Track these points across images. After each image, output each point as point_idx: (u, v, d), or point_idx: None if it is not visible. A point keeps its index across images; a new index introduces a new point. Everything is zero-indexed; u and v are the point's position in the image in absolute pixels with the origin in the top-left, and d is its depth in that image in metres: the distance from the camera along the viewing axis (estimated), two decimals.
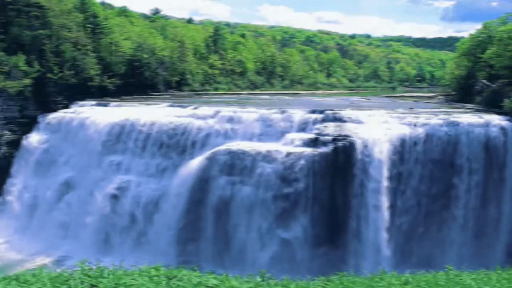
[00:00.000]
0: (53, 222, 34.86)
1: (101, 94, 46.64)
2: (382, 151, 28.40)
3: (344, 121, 30.90)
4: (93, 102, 42.04)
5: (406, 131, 29.38)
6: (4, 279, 8.55)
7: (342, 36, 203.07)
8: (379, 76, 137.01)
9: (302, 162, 28.66)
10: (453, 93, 51.55)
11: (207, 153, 30.65)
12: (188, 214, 30.42)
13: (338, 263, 25.58)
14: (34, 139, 39.38)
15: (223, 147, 30.50)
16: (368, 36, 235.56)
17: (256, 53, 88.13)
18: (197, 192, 30.25)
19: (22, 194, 37.73)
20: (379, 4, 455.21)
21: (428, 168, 29.02)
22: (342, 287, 10.17)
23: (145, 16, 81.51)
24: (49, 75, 43.14)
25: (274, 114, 32.62)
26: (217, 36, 77.39)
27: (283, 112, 32.77)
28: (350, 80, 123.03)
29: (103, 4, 79.20)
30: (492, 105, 35.08)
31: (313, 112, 32.53)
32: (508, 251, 28.19)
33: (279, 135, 31.21)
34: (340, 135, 29.23)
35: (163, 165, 33.15)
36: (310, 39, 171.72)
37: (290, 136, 30.59)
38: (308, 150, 29.07)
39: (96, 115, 37.04)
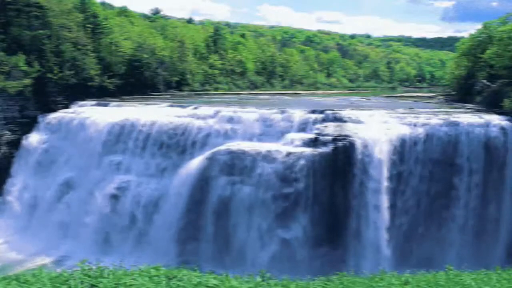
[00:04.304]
0: (53, 222, 34.83)
1: (101, 94, 46.57)
2: (382, 151, 28.40)
3: (344, 121, 30.90)
4: (93, 102, 42.02)
5: (406, 131, 29.37)
6: (4, 279, 8.56)
7: (342, 36, 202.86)
8: (379, 76, 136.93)
9: (302, 162, 28.66)
10: (453, 93, 51.53)
11: (207, 153, 30.64)
12: (188, 214, 30.40)
13: (338, 263, 25.57)
14: (34, 139, 39.37)
15: (223, 147, 30.50)
16: (368, 36, 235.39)
17: (256, 53, 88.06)
18: (197, 192, 30.25)
19: (22, 194, 37.71)
20: (379, 4, 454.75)
21: (428, 168, 29.03)
22: (342, 287, 10.19)
23: (145, 16, 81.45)
24: (49, 75, 43.13)
25: (274, 114, 32.62)
26: (217, 36, 77.36)
27: (283, 112, 32.77)
28: (350, 80, 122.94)
29: (103, 4, 79.19)
30: (492, 105, 35.06)
31: (313, 112, 32.53)
32: (508, 251, 28.18)
33: (279, 135, 31.21)
34: (340, 135, 29.23)
35: (163, 165, 33.15)
36: (310, 39, 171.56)
37: (290, 136, 30.59)
38: (308, 150, 29.07)
39: (96, 115, 37.03)
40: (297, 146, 29.66)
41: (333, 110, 32.72)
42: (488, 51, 41.01)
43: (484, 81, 41.45)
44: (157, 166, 33.29)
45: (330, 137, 29.27)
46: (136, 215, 32.35)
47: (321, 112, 32.23)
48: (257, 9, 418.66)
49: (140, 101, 43.09)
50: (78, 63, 45.48)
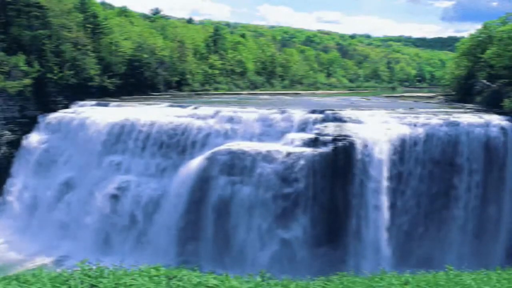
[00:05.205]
0: (53, 222, 34.84)
1: (101, 94, 46.59)
2: (382, 151, 28.39)
3: (344, 121, 30.89)
4: (93, 102, 42.00)
5: (406, 131, 29.37)
6: (4, 279, 8.54)
7: (342, 36, 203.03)
8: (379, 76, 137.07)
9: (302, 162, 28.65)
10: (453, 93, 51.49)
11: (207, 153, 30.64)
12: (188, 214, 30.41)
13: (338, 263, 25.57)
14: (34, 139, 39.37)
15: (223, 147, 30.49)
16: (368, 36, 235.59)
17: (256, 53, 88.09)
18: (197, 192, 30.24)
19: (22, 194, 37.71)
20: (379, 4, 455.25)
21: (428, 168, 29.02)
22: (342, 287, 10.19)
23: (145, 16, 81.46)
24: (49, 75, 43.11)
25: (274, 114, 32.60)
26: (217, 36, 77.37)
27: (283, 112, 32.75)
28: (350, 80, 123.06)
29: (103, 4, 79.20)
30: (492, 105, 35.07)
31: (313, 112, 32.52)
32: (508, 251, 28.18)
33: (279, 135, 31.19)
34: (340, 135, 29.22)
35: (163, 165, 33.14)
36: (310, 39, 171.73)
37: (290, 136, 30.58)
38: (308, 150, 29.06)
39: (96, 115, 37.01)
40: (297, 146, 29.65)
41: (333, 110, 32.72)
42: (488, 51, 41.01)
43: (484, 81, 41.45)
44: (157, 166, 33.28)
45: (330, 137, 29.26)
46: (136, 215, 32.34)
47: (321, 112, 32.22)
48: (257, 9, 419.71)
49: (140, 101, 43.08)
50: (78, 63, 45.46)
